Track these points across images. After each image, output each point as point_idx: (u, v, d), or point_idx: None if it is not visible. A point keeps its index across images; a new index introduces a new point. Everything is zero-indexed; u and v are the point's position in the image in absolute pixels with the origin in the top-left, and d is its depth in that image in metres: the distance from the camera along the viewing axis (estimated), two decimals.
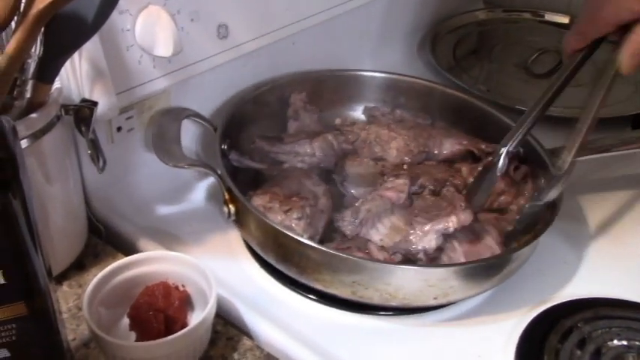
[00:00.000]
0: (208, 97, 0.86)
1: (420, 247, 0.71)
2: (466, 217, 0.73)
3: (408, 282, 0.65)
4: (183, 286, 0.66)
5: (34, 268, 0.49)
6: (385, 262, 0.68)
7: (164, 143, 0.73)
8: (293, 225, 0.69)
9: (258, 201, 0.72)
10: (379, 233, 0.74)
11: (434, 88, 0.95)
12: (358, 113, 0.96)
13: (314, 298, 0.72)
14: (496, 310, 0.72)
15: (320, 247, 0.65)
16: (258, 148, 0.82)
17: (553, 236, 0.77)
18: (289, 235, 0.66)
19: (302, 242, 0.65)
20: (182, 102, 0.82)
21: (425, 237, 0.71)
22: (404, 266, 0.67)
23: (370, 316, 0.71)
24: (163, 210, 0.82)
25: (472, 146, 0.86)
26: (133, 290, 0.65)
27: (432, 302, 0.68)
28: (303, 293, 0.72)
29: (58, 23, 0.60)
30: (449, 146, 0.87)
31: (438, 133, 0.88)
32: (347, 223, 0.74)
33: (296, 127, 0.88)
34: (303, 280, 0.68)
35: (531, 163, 0.84)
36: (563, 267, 0.79)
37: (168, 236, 0.78)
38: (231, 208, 0.72)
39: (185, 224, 0.81)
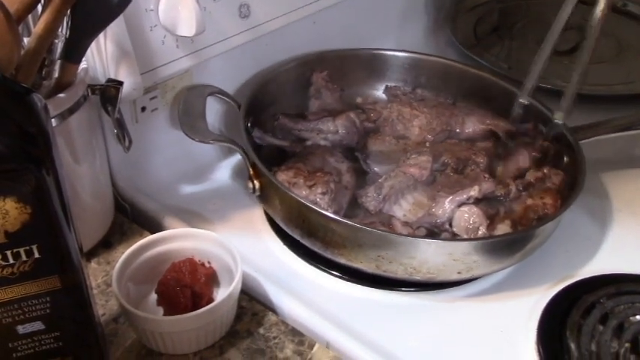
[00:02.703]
0: (229, 77, 0.87)
1: (444, 219, 0.72)
2: (488, 186, 0.73)
3: (432, 256, 0.66)
4: (209, 262, 0.67)
5: (67, 243, 0.50)
6: (410, 235, 0.68)
7: (190, 119, 0.74)
8: (318, 200, 0.70)
9: (283, 176, 0.73)
10: (402, 209, 0.75)
11: (455, 67, 0.95)
12: (379, 92, 0.96)
13: (337, 274, 0.73)
14: (519, 286, 0.73)
15: (345, 221, 0.65)
16: (281, 125, 0.83)
17: (577, 213, 0.77)
18: (314, 209, 0.66)
19: (327, 216, 0.66)
20: (204, 81, 0.83)
21: (447, 208, 0.71)
22: (428, 240, 0.67)
23: (393, 292, 0.72)
24: (187, 188, 0.84)
25: (494, 126, 0.86)
26: (160, 267, 0.66)
27: (456, 277, 0.68)
28: (327, 269, 0.73)
29: (84, 4, 0.61)
30: (471, 125, 0.87)
31: (461, 112, 0.88)
32: (370, 199, 0.75)
33: (318, 106, 0.89)
34: (327, 254, 0.69)
35: (555, 140, 0.83)
36: (587, 243, 0.79)
37: (193, 214, 0.79)
38: (256, 183, 0.72)
39: (209, 202, 0.82)
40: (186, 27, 0.73)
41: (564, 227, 0.75)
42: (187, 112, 0.74)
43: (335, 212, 0.70)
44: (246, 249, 0.73)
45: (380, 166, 0.81)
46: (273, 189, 0.71)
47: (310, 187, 0.71)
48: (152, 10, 0.73)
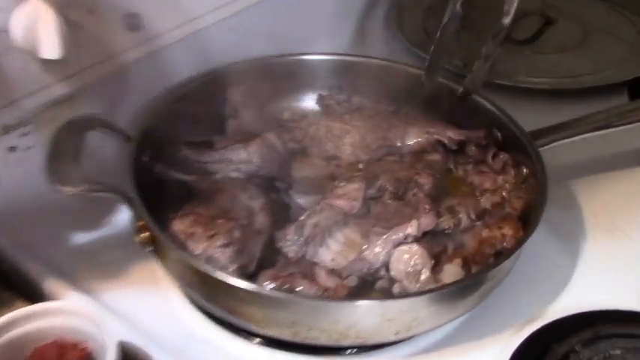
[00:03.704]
0: (126, 101, 0.73)
1: (378, 264, 0.59)
2: (428, 221, 0.60)
3: (359, 319, 0.53)
4: (85, 341, 0.54)
5: None
6: (326, 298, 0.56)
7: (58, 164, 0.60)
8: (217, 255, 0.57)
9: (179, 226, 0.60)
10: (330, 251, 0.62)
11: (395, 69, 0.81)
12: (311, 104, 0.82)
13: (260, 341, 0.59)
14: (475, 336, 0.60)
15: (239, 285, 0.52)
16: (183, 157, 0.69)
17: (541, 232, 0.64)
18: (205, 272, 0.53)
19: (219, 280, 0.53)
20: (93, 108, 0.69)
21: (380, 251, 0.59)
22: (350, 302, 0.54)
23: (327, 356, 0.59)
24: (79, 238, 0.69)
25: (440, 135, 0.73)
26: (22, 352, 0.52)
27: (394, 338, 0.55)
28: (246, 335, 0.60)
29: None
30: (414, 136, 0.74)
31: (401, 122, 0.75)
32: (290, 243, 0.62)
33: (236, 127, 0.75)
34: (234, 321, 0.57)
35: (511, 149, 0.71)
36: (555, 271, 0.67)
37: (83, 270, 0.65)
38: (145, 236, 0.59)
39: (104, 253, 0.68)
40: (50, 48, 0.60)
41: (527, 254, 0.63)
42: (56, 155, 0.60)
43: (243, 266, 0.57)
44: (143, 312, 0.61)
45: (305, 198, 0.68)
46: (163, 245, 0.57)
47: (210, 237, 0.57)
48: (4, 31, 0.59)
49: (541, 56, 0.96)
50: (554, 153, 0.69)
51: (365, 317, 0.53)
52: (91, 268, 0.66)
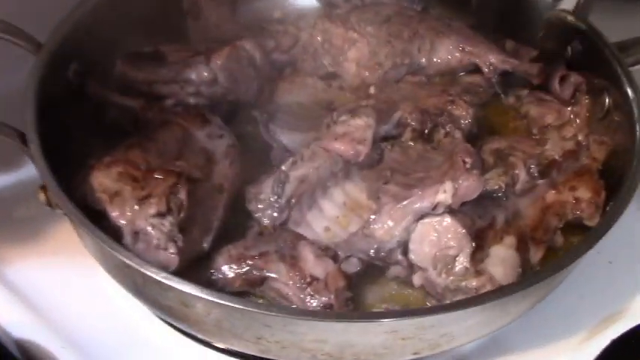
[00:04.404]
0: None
1: (392, 244, 0.40)
2: (471, 184, 0.41)
3: (359, 337, 0.36)
4: None
5: None
6: (298, 312, 0.37)
7: None
8: (149, 230, 0.38)
9: (101, 179, 0.42)
10: (324, 217, 0.45)
11: None
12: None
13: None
14: (531, 342, 0.45)
15: (169, 282, 0.34)
16: (120, 75, 0.49)
17: None
18: (127, 263, 0.35)
19: (146, 275, 0.34)
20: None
21: (394, 226, 0.40)
22: (336, 321, 0.35)
23: None
24: None
25: (479, 57, 0.54)
26: None
27: (411, 357, 0.37)
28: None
29: None
30: (444, 52, 0.55)
31: (429, 30, 0.55)
32: (265, 206, 0.43)
33: (198, 31, 0.57)
34: (175, 323, 0.39)
35: (587, 69, 0.51)
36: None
37: None
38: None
39: (17, 206, 0.53)
40: None
41: None
42: None
43: (189, 244, 0.39)
44: (63, 295, 0.46)
45: (291, 135, 0.50)
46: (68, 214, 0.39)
47: (141, 200, 0.39)
48: None
49: None
50: None
51: (365, 337, 0.35)
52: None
